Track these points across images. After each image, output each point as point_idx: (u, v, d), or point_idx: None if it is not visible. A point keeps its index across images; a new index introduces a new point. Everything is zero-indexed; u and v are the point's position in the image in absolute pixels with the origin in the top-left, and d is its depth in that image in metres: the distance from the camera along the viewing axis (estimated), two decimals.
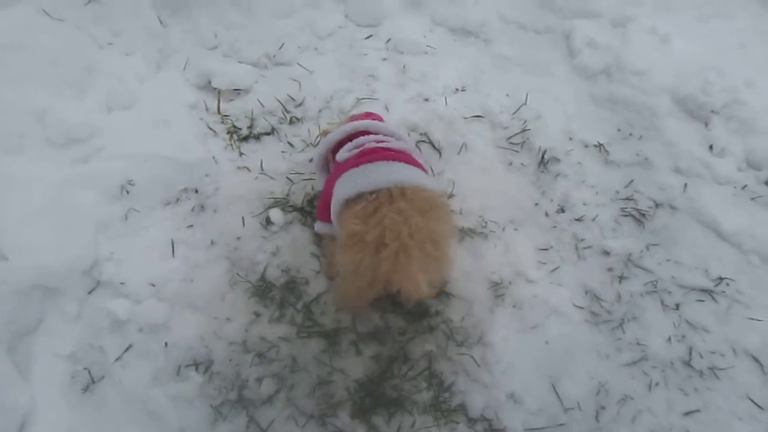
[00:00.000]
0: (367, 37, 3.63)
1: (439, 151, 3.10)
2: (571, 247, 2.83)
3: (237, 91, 3.29)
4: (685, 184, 3.04)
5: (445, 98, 3.33)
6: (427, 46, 3.60)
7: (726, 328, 2.62)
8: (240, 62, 3.41)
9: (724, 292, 2.72)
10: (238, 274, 2.62)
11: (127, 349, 2.41)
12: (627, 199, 3.01)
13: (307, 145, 3.09)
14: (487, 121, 3.26)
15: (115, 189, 2.73)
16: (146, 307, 2.47)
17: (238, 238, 2.72)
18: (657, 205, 2.98)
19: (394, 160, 2.13)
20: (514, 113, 3.29)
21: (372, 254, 1.92)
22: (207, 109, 3.20)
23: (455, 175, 2.99)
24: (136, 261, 2.60)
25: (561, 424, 2.36)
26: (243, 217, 2.78)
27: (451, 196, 2.91)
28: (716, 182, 3.06)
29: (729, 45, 3.55)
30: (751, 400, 2.45)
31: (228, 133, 3.11)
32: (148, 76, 3.20)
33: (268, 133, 3.13)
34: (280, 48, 3.46)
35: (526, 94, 3.36)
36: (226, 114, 3.19)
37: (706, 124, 3.24)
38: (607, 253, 2.82)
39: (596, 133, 3.26)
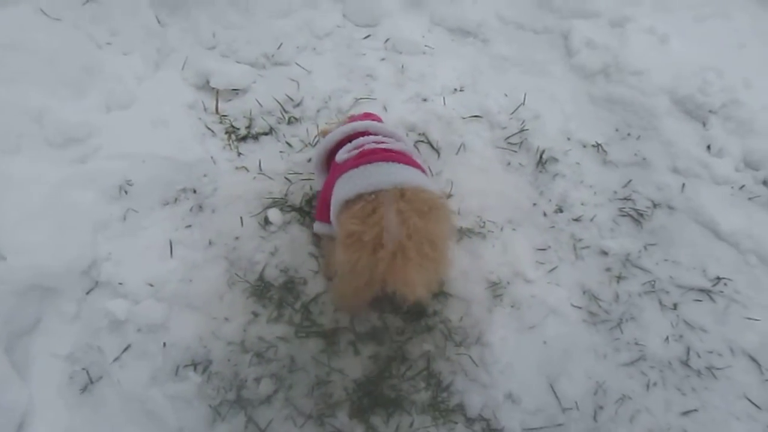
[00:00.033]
0: (366, 37, 3.63)
1: (437, 151, 3.10)
2: (569, 247, 2.83)
3: (235, 91, 3.29)
4: (683, 184, 3.04)
5: (444, 98, 3.33)
6: (426, 46, 3.60)
7: (723, 327, 2.63)
8: (238, 62, 3.41)
9: (721, 292, 2.72)
10: (236, 274, 2.62)
11: (125, 350, 2.41)
12: (625, 199, 3.01)
13: (306, 145, 3.09)
14: (486, 121, 3.26)
15: (114, 189, 2.73)
16: (144, 307, 2.47)
17: (237, 238, 2.72)
18: (655, 205, 2.99)
19: (393, 161, 2.13)
20: (513, 113, 3.30)
21: (369, 254, 1.92)
22: (205, 109, 3.20)
23: (453, 175, 2.99)
24: (135, 261, 2.59)
25: (559, 424, 2.37)
26: (241, 217, 2.78)
27: (449, 196, 2.91)
28: (714, 182, 3.07)
29: (727, 45, 3.56)
30: (749, 400, 2.46)
31: (226, 133, 3.11)
32: (146, 75, 3.20)
33: (266, 133, 3.13)
34: (279, 48, 3.46)
35: (524, 94, 3.36)
36: (225, 114, 3.19)
37: (704, 124, 3.25)
38: (605, 253, 2.82)
39: (594, 133, 3.26)
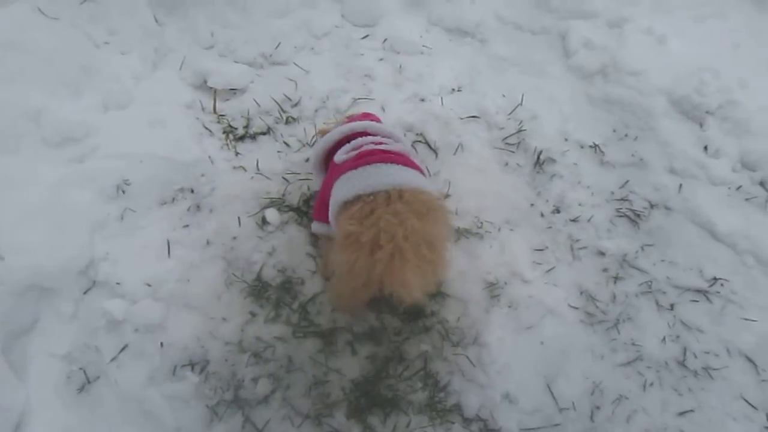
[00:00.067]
0: (364, 37, 3.63)
1: (435, 151, 3.10)
2: (567, 247, 2.83)
3: (233, 91, 3.29)
4: (680, 185, 3.05)
5: (441, 98, 3.34)
6: (424, 46, 3.60)
7: (720, 328, 2.64)
8: (236, 62, 3.41)
9: (718, 292, 2.73)
10: (234, 274, 2.62)
11: (122, 349, 2.41)
12: (622, 199, 3.02)
13: (303, 145, 3.09)
14: (483, 121, 3.27)
15: (111, 189, 2.72)
16: (142, 307, 2.47)
17: (234, 238, 2.72)
18: (652, 206, 2.99)
19: (392, 162, 2.13)
20: (510, 114, 3.30)
21: (367, 255, 1.92)
22: (203, 109, 3.20)
23: (451, 176, 2.99)
24: (132, 261, 2.59)
25: (556, 424, 2.37)
26: (239, 217, 2.78)
27: (447, 196, 2.91)
28: (711, 183, 3.07)
29: (724, 46, 3.58)
30: (745, 400, 2.46)
31: (224, 132, 3.11)
32: (144, 75, 3.20)
33: (264, 133, 3.13)
34: (277, 47, 3.46)
35: (522, 95, 3.36)
36: (222, 113, 3.19)
37: (701, 125, 3.25)
38: (602, 253, 2.82)
39: (592, 133, 3.27)
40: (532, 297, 2.65)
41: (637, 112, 3.31)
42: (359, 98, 3.30)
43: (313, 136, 3.09)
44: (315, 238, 2.69)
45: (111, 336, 2.43)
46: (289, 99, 3.28)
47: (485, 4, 3.81)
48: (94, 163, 2.76)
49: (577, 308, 2.65)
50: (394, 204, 1.98)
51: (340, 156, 2.28)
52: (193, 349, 2.43)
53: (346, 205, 2.06)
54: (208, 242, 2.70)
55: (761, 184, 3.08)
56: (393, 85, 3.40)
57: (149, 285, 2.54)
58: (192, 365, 2.39)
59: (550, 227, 2.89)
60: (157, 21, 3.40)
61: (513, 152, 3.16)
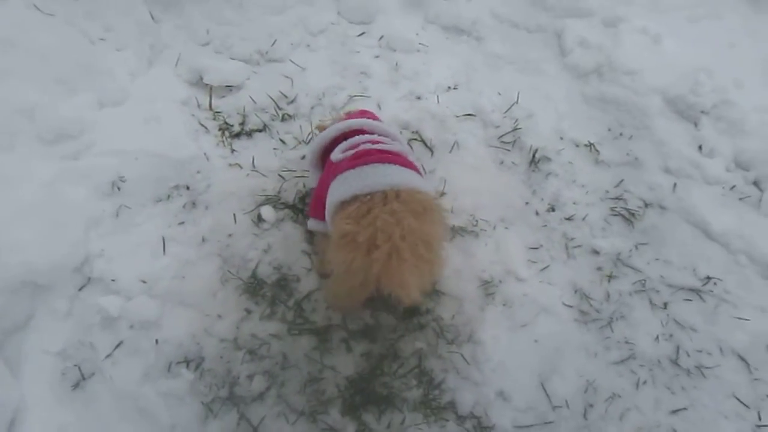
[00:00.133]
0: (360, 35, 3.63)
1: (430, 149, 3.11)
2: (561, 246, 2.84)
3: (229, 88, 3.28)
4: (675, 184, 3.06)
5: (437, 96, 3.34)
6: (420, 44, 3.60)
7: (713, 327, 2.65)
8: (232, 58, 3.41)
9: (711, 291, 2.74)
10: (229, 272, 2.62)
11: (117, 346, 2.41)
12: (617, 198, 3.03)
13: (299, 143, 3.09)
14: (479, 119, 3.27)
15: (106, 185, 2.72)
16: (137, 304, 2.47)
17: (230, 235, 2.72)
18: (646, 205, 3.01)
19: (389, 162, 2.13)
20: (506, 112, 3.31)
21: (364, 255, 1.92)
22: (199, 106, 3.19)
23: (447, 174, 3.00)
24: (127, 258, 2.59)
25: (549, 422, 2.38)
26: (234, 214, 2.78)
27: (442, 194, 2.92)
28: (705, 182, 3.08)
29: (719, 45, 3.58)
30: (737, 399, 2.48)
31: (220, 129, 3.11)
32: (139, 72, 3.19)
33: (260, 130, 3.13)
34: (273, 44, 3.46)
35: (518, 93, 3.37)
36: (218, 110, 3.19)
37: (696, 125, 3.27)
38: (596, 252, 2.84)
39: (587, 132, 3.28)
40: (526, 295, 2.66)
41: (632, 112, 3.32)
42: (355, 96, 3.30)
43: (310, 133, 3.09)
44: (311, 235, 2.69)
45: (106, 333, 2.43)
46: (285, 96, 3.28)
47: (481, 2, 3.81)
48: (89, 159, 2.75)
49: (571, 306, 2.66)
50: (390, 204, 1.98)
51: (336, 154, 2.28)
52: (188, 346, 2.44)
53: (343, 204, 2.06)
54: (203, 239, 2.70)
55: (755, 183, 3.09)
56: (389, 83, 3.40)
57: (144, 282, 2.54)
58: (187, 362, 2.40)
59: (545, 226, 2.90)
60: (153, 17, 3.40)
61: (508, 150, 3.16)
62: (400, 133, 3.01)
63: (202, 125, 3.10)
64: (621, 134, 3.27)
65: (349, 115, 2.60)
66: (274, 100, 3.24)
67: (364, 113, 2.63)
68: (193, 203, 2.81)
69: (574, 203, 2.98)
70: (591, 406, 2.43)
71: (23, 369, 2.32)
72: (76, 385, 2.33)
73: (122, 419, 2.27)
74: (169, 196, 2.82)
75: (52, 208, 2.53)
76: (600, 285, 2.74)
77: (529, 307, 2.63)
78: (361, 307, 2.52)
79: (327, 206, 2.17)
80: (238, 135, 3.10)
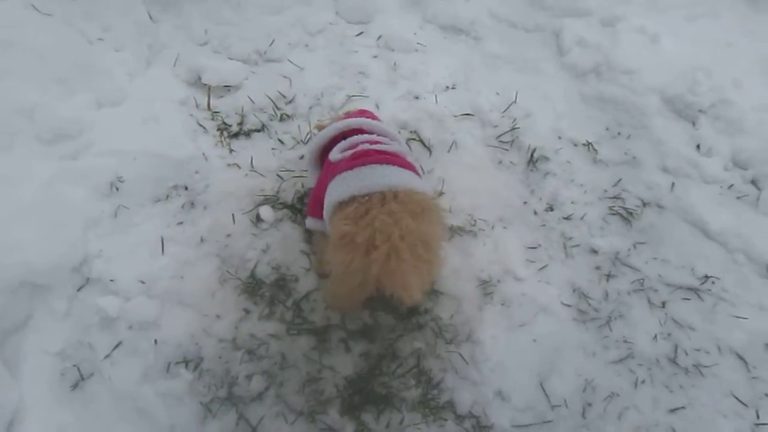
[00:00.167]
0: (358, 35, 3.63)
1: (429, 149, 3.11)
2: (560, 245, 2.85)
3: (227, 88, 3.28)
4: (673, 183, 3.07)
5: (436, 96, 3.34)
6: (418, 43, 3.60)
7: (711, 326, 2.65)
8: (230, 58, 3.41)
9: (709, 290, 2.75)
10: (228, 272, 2.62)
11: (116, 347, 2.41)
12: (615, 197, 3.03)
13: (298, 142, 3.09)
14: (477, 119, 3.27)
15: (105, 186, 2.72)
16: (136, 304, 2.47)
17: (228, 236, 2.72)
18: (644, 204, 3.01)
19: (387, 163, 2.13)
20: (504, 111, 3.31)
21: (362, 256, 1.92)
22: (197, 106, 3.19)
23: (445, 173, 3.00)
24: (126, 258, 2.59)
25: (548, 421, 2.39)
26: (233, 215, 2.78)
27: (441, 194, 2.92)
28: (703, 181, 3.09)
29: (717, 45, 3.59)
30: (735, 398, 2.48)
31: (218, 129, 3.11)
32: (137, 72, 3.19)
33: (258, 130, 3.13)
34: (271, 44, 3.46)
35: (516, 93, 3.37)
36: (216, 110, 3.19)
37: (694, 124, 3.27)
38: (594, 251, 2.84)
39: (585, 131, 3.28)
40: (525, 295, 2.66)
41: (630, 111, 3.32)
42: (353, 95, 3.30)
43: (308, 133, 3.09)
44: (309, 235, 2.69)
45: (105, 333, 2.43)
46: (284, 96, 3.28)
47: (479, 1, 3.81)
48: (88, 160, 2.75)
49: (569, 306, 2.67)
50: (388, 204, 1.98)
51: (335, 154, 2.28)
52: (187, 346, 2.44)
53: (341, 205, 2.06)
54: (202, 239, 2.70)
55: (753, 182, 3.09)
56: (387, 83, 3.40)
57: (143, 282, 2.54)
58: (186, 362, 2.40)
59: (544, 225, 2.91)
60: (151, 17, 3.40)
61: (507, 150, 3.17)
62: (398, 132, 3.02)
63: (201, 125, 3.10)
64: (619, 133, 3.27)
65: (348, 115, 2.61)
66: (272, 100, 3.24)
67: (363, 113, 2.63)
68: (192, 203, 2.81)
69: (572, 202, 2.99)
70: (589, 405, 2.43)
71: (22, 369, 2.32)
72: (75, 386, 2.33)
73: (121, 419, 2.28)
74: (167, 197, 2.82)
75: (50, 208, 2.53)
76: (598, 284, 2.74)
77: (528, 306, 2.63)
78: (360, 308, 2.52)
79: (325, 206, 2.17)
80: (236, 135, 3.10)
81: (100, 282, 2.53)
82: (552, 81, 3.51)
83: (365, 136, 2.33)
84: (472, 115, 3.29)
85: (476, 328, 2.55)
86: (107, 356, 2.39)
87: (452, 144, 3.13)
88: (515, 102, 3.34)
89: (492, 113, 3.29)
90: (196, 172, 2.90)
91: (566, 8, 3.75)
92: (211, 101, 3.21)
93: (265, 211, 2.78)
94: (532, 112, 3.31)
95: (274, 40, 3.47)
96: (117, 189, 2.74)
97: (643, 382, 2.50)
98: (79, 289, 2.51)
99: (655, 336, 2.61)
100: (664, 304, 2.70)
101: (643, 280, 2.76)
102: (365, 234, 1.92)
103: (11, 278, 2.34)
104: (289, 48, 3.51)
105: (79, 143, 2.78)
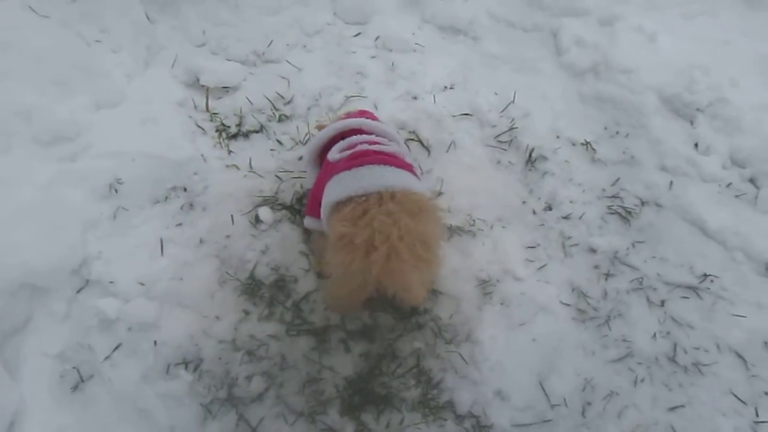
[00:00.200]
0: (356, 35, 3.63)
1: (427, 149, 3.11)
2: (558, 244, 2.85)
3: (225, 89, 3.28)
4: (671, 182, 3.07)
5: (434, 96, 3.34)
6: (416, 43, 3.60)
7: (710, 324, 2.65)
8: (228, 59, 3.41)
9: (708, 288, 2.75)
10: (227, 273, 2.62)
11: (116, 348, 2.41)
12: (613, 197, 3.03)
13: (296, 143, 3.09)
14: (476, 119, 3.28)
15: (104, 187, 2.72)
16: (135, 305, 2.47)
17: (228, 237, 2.72)
18: (643, 203, 3.01)
19: (385, 164, 2.13)
20: (503, 111, 3.31)
21: (362, 257, 1.93)
22: (195, 107, 3.19)
23: (444, 173, 3.00)
24: (125, 260, 2.59)
25: (548, 421, 2.39)
26: (232, 216, 2.78)
27: (439, 194, 2.92)
28: (701, 180, 3.09)
29: (715, 43, 3.58)
30: (735, 396, 2.48)
31: (217, 131, 3.11)
32: (135, 73, 3.19)
33: (256, 131, 3.13)
34: (269, 45, 3.46)
35: (514, 92, 3.37)
36: (215, 112, 3.19)
37: (692, 123, 3.27)
38: (593, 250, 2.84)
39: (583, 131, 3.28)
40: (524, 294, 2.66)
41: (629, 110, 3.32)
42: (352, 96, 3.30)
43: (307, 134, 3.09)
44: (308, 236, 2.69)
45: (104, 335, 2.44)
46: (282, 97, 3.28)
47: (478, 1, 3.81)
48: (86, 161, 2.76)
49: (568, 305, 2.67)
50: (386, 205, 1.98)
51: (333, 154, 2.29)
52: (187, 347, 2.44)
53: (338, 205, 2.07)
54: (201, 241, 2.70)
55: (751, 180, 3.10)
56: (385, 83, 3.40)
57: (142, 284, 2.54)
58: (186, 364, 2.40)
59: (542, 225, 2.91)
60: (149, 19, 3.39)
61: (505, 150, 3.17)
62: (397, 133, 3.03)
63: (199, 126, 3.10)
64: (617, 133, 3.27)
65: (349, 115, 2.61)
66: (270, 101, 3.24)
67: (363, 113, 2.63)
68: (191, 205, 2.81)
69: (570, 202, 2.99)
70: (589, 404, 2.43)
71: (22, 371, 2.32)
72: (75, 387, 2.33)
73: (121, 421, 2.28)
74: (166, 198, 2.82)
75: (49, 210, 2.53)
76: (597, 283, 2.75)
77: (527, 306, 2.63)
78: (360, 308, 2.53)
79: (322, 207, 2.17)
80: (234, 136, 3.10)
81: (100, 284, 2.53)
82: (550, 81, 3.51)
83: (364, 137, 2.33)
84: (471, 115, 3.29)
85: (476, 327, 2.55)
86: (107, 358, 2.39)
87: (451, 144, 3.13)
88: (513, 102, 3.34)
89: (490, 113, 3.29)
90: (195, 174, 2.90)
91: (564, 8, 3.75)
92: (209, 102, 3.21)
93: (264, 212, 2.78)
94: (531, 111, 3.31)
95: (272, 41, 3.47)
96: (116, 191, 2.74)
97: (642, 380, 2.50)
98: (78, 291, 2.51)
99: (654, 335, 2.61)
100: (663, 303, 2.70)
101: (642, 278, 2.77)
102: (364, 235, 1.92)
103: (10, 280, 2.34)
104: (287, 49, 3.51)
105: (78, 145, 2.78)
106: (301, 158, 2.94)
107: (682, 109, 3.30)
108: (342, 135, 2.38)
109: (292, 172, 2.95)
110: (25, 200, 2.51)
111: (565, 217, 2.93)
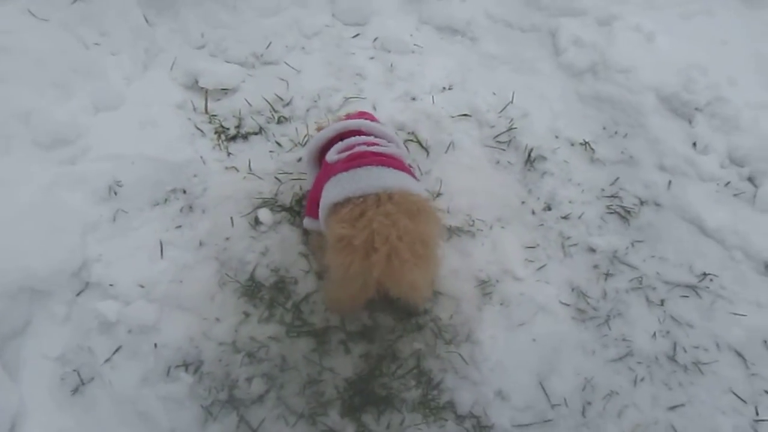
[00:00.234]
0: (354, 36, 3.64)
1: (426, 149, 3.11)
2: (558, 244, 2.85)
3: (224, 91, 3.29)
4: (670, 182, 3.07)
5: (432, 97, 3.34)
6: (414, 44, 3.61)
7: (710, 323, 2.66)
8: (227, 61, 3.41)
9: (707, 287, 2.75)
10: (227, 275, 2.62)
11: (116, 351, 2.41)
12: (612, 196, 3.03)
13: (295, 145, 3.09)
14: (474, 119, 3.28)
15: (103, 190, 2.72)
16: (135, 308, 2.47)
17: (227, 239, 2.73)
18: (642, 203, 3.02)
19: (383, 165, 2.14)
20: (501, 112, 3.31)
21: (362, 258, 1.93)
22: (194, 109, 3.19)
23: (443, 174, 3.00)
24: (125, 262, 2.59)
25: (548, 420, 2.39)
26: (232, 218, 2.78)
27: (438, 194, 2.92)
28: (700, 179, 3.09)
29: (713, 42, 3.59)
30: (735, 394, 2.49)
31: (216, 132, 3.11)
32: (134, 76, 3.19)
33: (255, 133, 3.13)
34: (268, 47, 3.46)
35: (513, 93, 3.38)
36: (214, 114, 3.19)
37: (690, 122, 3.28)
38: (592, 250, 2.84)
39: (582, 131, 3.28)
40: (523, 294, 2.66)
41: (627, 110, 3.33)
42: (351, 97, 3.30)
43: (306, 135, 3.09)
44: (307, 237, 2.69)
45: (104, 337, 2.44)
46: (281, 99, 3.28)
47: (475, 2, 3.81)
48: (86, 164, 2.76)
49: (568, 305, 2.67)
50: (384, 206, 1.98)
51: (332, 155, 2.29)
52: (187, 349, 2.44)
53: (336, 207, 2.07)
54: (200, 243, 2.70)
55: (749, 179, 3.10)
56: (384, 84, 3.41)
57: (142, 286, 2.54)
58: (186, 366, 2.40)
59: (542, 225, 2.91)
60: (147, 21, 3.40)
61: (504, 150, 3.17)
62: (396, 133, 3.03)
63: (198, 129, 3.10)
64: (616, 132, 3.28)
65: (348, 117, 2.61)
66: (269, 103, 3.24)
67: (363, 114, 2.64)
68: (190, 207, 2.81)
69: (569, 202, 2.99)
70: (589, 403, 2.44)
71: (22, 374, 2.32)
72: (75, 390, 2.33)
73: (122, 423, 2.28)
74: (166, 200, 2.82)
75: (49, 213, 2.53)
76: (597, 283, 2.75)
77: (527, 306, 2.64)
78: (360, 309, 2.53)
79: (320, 208, 2.18)
80: (234, 138, 3.11)
81: (100, 286, 2.53)
82: (548, 81, 3.52)
83: (362, 138, 2.33)
84: (469, 115, 3.29)
85: (475, 328, 2.55)
86: (107, 360, 2.39)
87: (449, 144, 3.13)
88: (512, 102, 3.35)
89: (489, 113, 3.29)
90: (194, 176, 2.90)
91: (562, 8, 3.75)
92: (208, 104, 3.21)
93: (264, 214, 2.79)
94: (529, 111, 3.32)
95: (270, 43, 3.48)
96: (115, 193, 2.74)
97: (642, 380, 2.50)
98: (78, 294, 2.51)
99: (654, 334, 2.62)
100: (662, 302, 2.71)
101: (641, 278, 2.77)
102: (363, 236, 1.92)
103: (10, 283, 2.34)
104: (286, 50, 3.52)
105: (77, 148, 2.78)
106: (300, 160, 2.95)
107: (680, 109, 3.31)
108: (341, 136, 2.38)
109: (291, 173, 2.95)
110: (24, 203, 2.50)
111: (565, 217, 2.94)
